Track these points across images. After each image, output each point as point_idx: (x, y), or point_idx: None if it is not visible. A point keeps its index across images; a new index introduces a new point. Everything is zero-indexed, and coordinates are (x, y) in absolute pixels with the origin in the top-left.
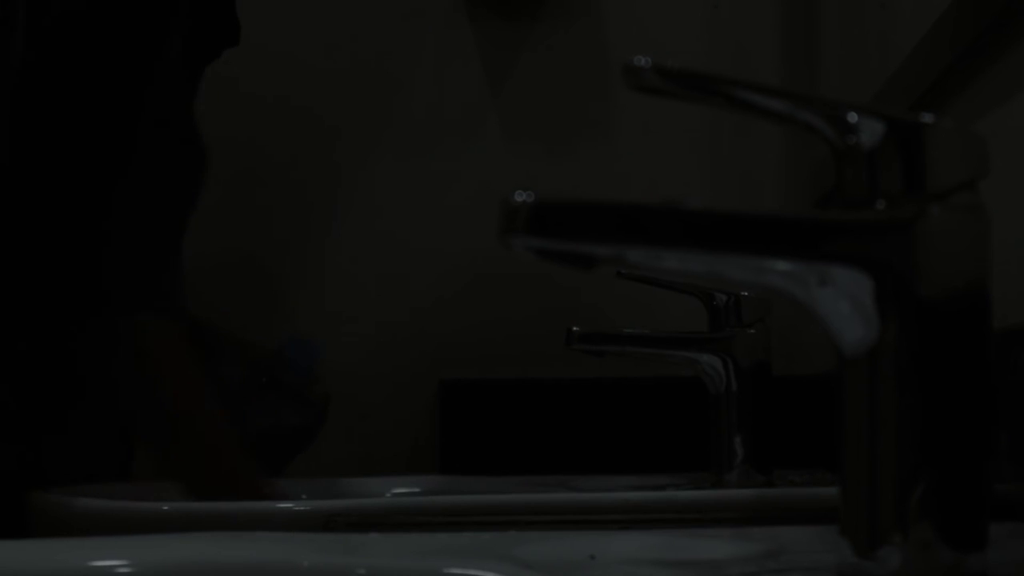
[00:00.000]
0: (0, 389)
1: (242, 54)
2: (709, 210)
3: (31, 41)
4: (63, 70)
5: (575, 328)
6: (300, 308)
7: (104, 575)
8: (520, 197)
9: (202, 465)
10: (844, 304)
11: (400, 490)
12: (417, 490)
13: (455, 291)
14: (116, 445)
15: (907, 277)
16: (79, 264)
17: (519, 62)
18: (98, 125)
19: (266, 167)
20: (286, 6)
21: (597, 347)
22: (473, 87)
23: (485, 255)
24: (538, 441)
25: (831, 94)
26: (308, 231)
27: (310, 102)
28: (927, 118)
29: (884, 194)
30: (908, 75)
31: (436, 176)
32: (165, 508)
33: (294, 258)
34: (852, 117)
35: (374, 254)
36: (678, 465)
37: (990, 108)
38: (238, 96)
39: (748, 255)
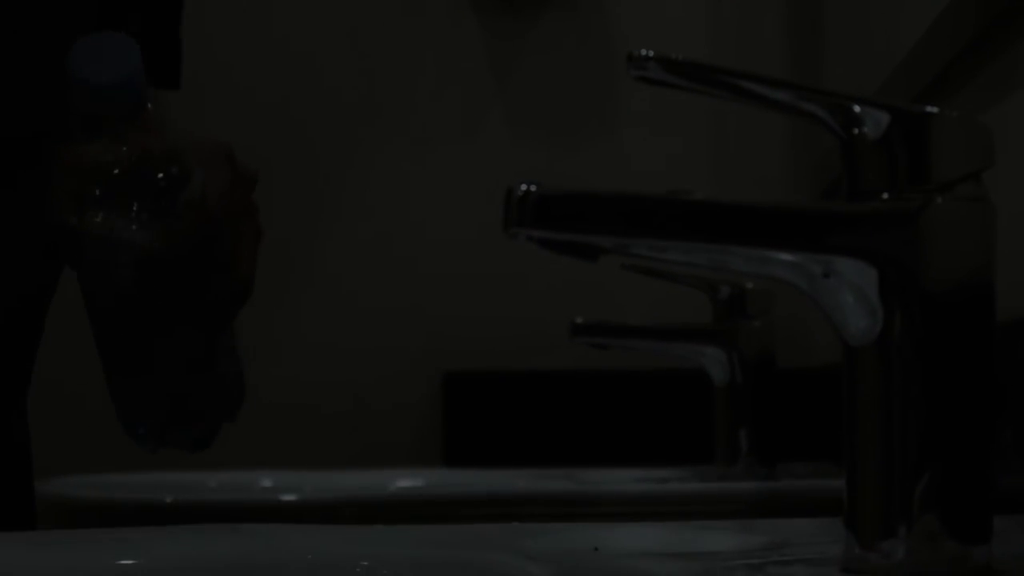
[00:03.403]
0: None
1: (247, 50)
2: (713, 201)
3: None
4: None
5: (579, 320)
6: (305, 300)
7: (109, 568)
8: (525, 188)
9: None
10: (849, 295)
11: (404, 482)
12: (421, 482)
13: (460, 283)
14: None
15: (912, 268)
16: None
17: (524, 55)
18: None
19: (274, 158)
20: (289, 0)
21: (601, 339)
22: (478, 80)
23: (489, 246)
24: (542, 433)
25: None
26: (314, 222)
27: (315, 96)
28: (932, 109)
29: (889, 185)
30: (913, 66)
31: (441, 168)
32: (168, 500)
33: (300, 249)
34: (857, 108)
35: (379, 245)
36: (682, 457)
37: (996, 99)
38: (244, 90)
39: (752, 246)
